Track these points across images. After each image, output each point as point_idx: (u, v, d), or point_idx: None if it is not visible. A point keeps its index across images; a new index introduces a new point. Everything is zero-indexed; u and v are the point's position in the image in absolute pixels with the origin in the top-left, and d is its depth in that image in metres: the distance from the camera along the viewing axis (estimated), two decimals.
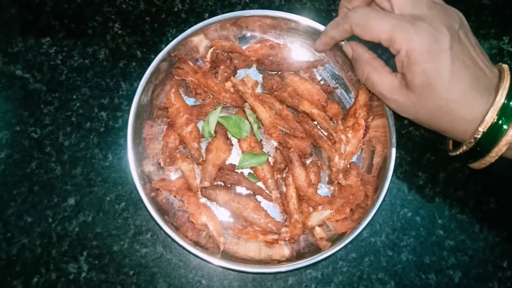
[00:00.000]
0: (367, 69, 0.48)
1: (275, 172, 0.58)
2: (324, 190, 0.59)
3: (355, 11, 0.45)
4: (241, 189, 0.58)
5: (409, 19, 0.43)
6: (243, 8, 0.66)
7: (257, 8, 0.66)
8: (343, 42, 0.53)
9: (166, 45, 0.56)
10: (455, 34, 0.43)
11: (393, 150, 0.54)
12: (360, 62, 0.49)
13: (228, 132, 0.59)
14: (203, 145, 0.59)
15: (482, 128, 0.43)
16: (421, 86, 0.43)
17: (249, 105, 0.59)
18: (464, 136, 0.45)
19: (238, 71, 0.62)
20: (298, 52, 0.62)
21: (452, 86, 0.42)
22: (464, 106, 0.43)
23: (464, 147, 0.46)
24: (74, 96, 0.62)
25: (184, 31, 0.57)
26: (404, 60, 0.43)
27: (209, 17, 0.64)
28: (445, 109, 0.43)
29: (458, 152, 0.48)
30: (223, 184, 0.58)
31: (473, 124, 0.44)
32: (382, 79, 0.47)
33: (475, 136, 0.44)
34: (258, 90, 0.61)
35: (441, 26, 0.42)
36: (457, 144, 0.49)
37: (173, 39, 0.56)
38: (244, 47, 0.61)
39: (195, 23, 0.57)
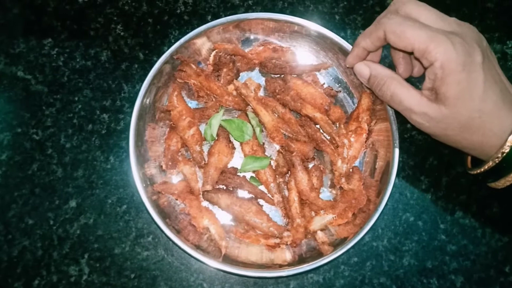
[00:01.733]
0: (392, 84, 0.46)
1: (277, 176, 0.58)
2: (326, 194, 0.59)
3: (390, 18, 0.45)
4: (243, 193, 0.58)
5: (444, 32, 0.43)
6: (246, 11, 0.66)
7: (260, 11, 0.66)
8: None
9: (168, 47, 0.56)
10: (484, 50, 0.44)
11: (396, 154, 0.54)
12: (384, 79, 0.48)
13: (230, 135, 0.59)
14: (205, 148, 0.59)
15: (510, 142, 0.43)
16: (455, 97, 0.42)
17: (252, 108, 0.59)
18: (490, 152, 0.45)
19: (240, 74, 0.62)
20: (301, 55, 0.62)
21: (486, 97, 0.43)
22: (496, 119, 0.43)
23: (490, 163, 0.45)
24: (76, 98, 0.62)
25: (186, 33, 0.57)
26: (438, 72, 0.42)
27: (212, 19, 0.64)
28: (478, 121, 0.43)
29: (482, 169, 0.47)
30: (225, 187, 0.57)
31: (501, 138, 0.43)
32: (410, 94, 0.45)
33: (503, 151, 0.43)
34: (261, 93, 0.61)
35: (472, 41, 0.43)
36: (476, 163, 0.49)
37: (175, 41, 0.56)
38: (247, 50, 0.61)
39: (198, 25, 0.57)
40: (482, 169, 0.47)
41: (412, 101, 0.45)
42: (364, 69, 0.50)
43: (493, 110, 0.43)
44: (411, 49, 0.44)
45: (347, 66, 0.53)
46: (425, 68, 0.45)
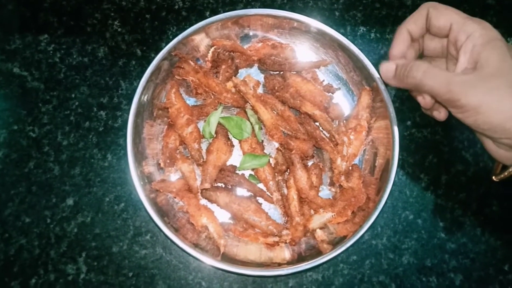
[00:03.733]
0: (422, 64, 0.46)
1: (276, 174, 0.58)
2: (325, 192, 0.59)
3: (431, 2, 0.49)
4: (242, 191, 0.57)
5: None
6: (245, 7, 0.65)
7: (259, 7, 0.65)
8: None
9: (166, 43, 0.56)
10: None
11: (396, 152, 0.54)
12: (412, 63, 0.47)
13: (229, 133, 0.58)
14: (204, 146, 0.58)
15: None
16: (500, 58, 0.43)
17: (251, 105, 0.58)
18: None
19: (239, 70, 0.61)
20: (300, 52, 0.61)
21: None
22: None
23: None
24: (73, 95, 0.61)
25: (184, 29, 0.56)
26: (478, 40, 0.44)
27: (210, 15, 0.63)
28: None
29: None
30: (223, 185, 0.57)
31: None
32: (442, 69, 0.46)
33: None
34: (260, 90, 0.60)
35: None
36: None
37: (173, 37, 0.56)
38: (245, 46, 0.61)
39: (196, 21, 0.56)
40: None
41: (448, 73, 0.45)
42: (390, 65, 0.49)
43: None
44: (449, 24, 0.47)
45: (392, 56, 0.51)
46: (454, 54, 0.47)
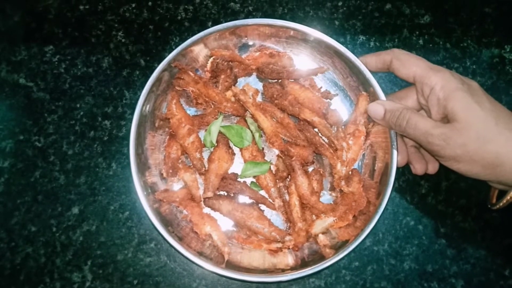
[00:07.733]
0: (408, 113, 0.49)
1: (277, 181, 0.58)
2: (326, 197, 0.59)
3: (399, 49, 0.52)
4: (244, 198, 0.58)
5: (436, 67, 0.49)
6: (246, 17, 0.66)
7: (260, 17, 0.66)
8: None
9: (169, 53, 0.56)
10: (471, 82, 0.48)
11: (395, 156, 0.54)
12: (399, 110, 0.50)
13: (230, 142, 0.59)
14: (205, 155, 0.59)
15: None
16: (465, 109, 0.44)
17: (250, 114, 0.59)
18: None
19: (238, 80, 0.62)
20: (298, 59, 0.62)
21: (494, 108, 0.45)
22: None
23: None
24: (78, 105, 0.62)
25: (187, 39, 0.57)
26: (440, 93, 0.46)
27: (213, 25, 0.64)
28: (495, 129, 0.44)
29: (509, 197, 0.48)
30: (226, 193, 0.58)
31: None
32: (425, 119, 0.48)
33: None
34: (259, 98, 0.61)
35: (462, 76, 0.48)
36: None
37: (176, 47, 0.56)
38: (244, 56, 0.61)
39: (199, 31, 0.57)
40: (509, 196, 0.48)
41: (428, 124, 0.47)
42: (378, 107, 0.52)
43: (507, 117, 0.44)
44: (413, 75, 0.49)
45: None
46: (425, 104, 0.49)
